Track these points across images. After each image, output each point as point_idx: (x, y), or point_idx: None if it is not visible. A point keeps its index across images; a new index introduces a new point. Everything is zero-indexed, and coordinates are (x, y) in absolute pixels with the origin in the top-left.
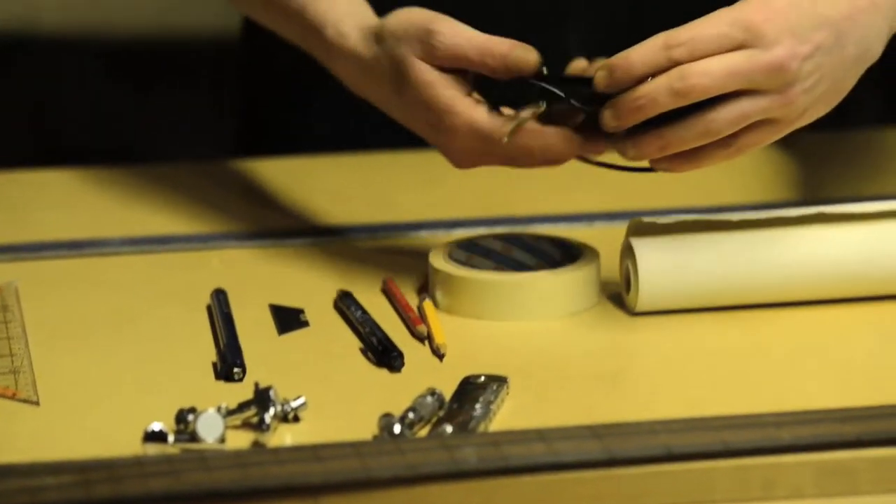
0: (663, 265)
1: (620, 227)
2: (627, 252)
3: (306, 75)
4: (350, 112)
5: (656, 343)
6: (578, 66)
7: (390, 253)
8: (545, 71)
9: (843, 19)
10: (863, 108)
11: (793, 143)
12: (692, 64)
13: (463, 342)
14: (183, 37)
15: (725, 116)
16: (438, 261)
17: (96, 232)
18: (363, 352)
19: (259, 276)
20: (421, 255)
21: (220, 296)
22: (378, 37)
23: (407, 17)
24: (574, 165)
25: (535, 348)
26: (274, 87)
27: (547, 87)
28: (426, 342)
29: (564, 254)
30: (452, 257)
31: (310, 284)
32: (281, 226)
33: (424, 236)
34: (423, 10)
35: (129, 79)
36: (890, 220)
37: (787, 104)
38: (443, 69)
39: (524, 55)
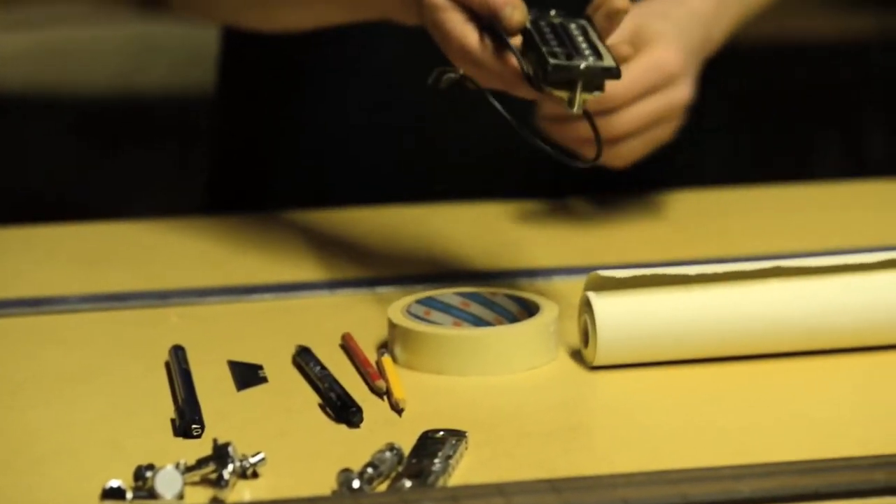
0: (621, 319)
1: (578, 282)
2: (585, 306)
3: (274, 134)
4: (312, 170)
5: (615, 397)
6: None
7: (349, 308)
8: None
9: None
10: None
11: (752, 196)
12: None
13: (422, 397)
14: (149, 95)
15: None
16: (397, 316)
17: (56, 289)
18: (322, 407)
19: (218, 333)
20: (380, 311)
21: (178, 352)
22: None
23: None
24: (531, 223)
25: (493, 403)
26: (242, 145)
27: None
28: (385, 397)
29: (523, 309)
30: (411, 312)
31: (268, 340)
32: (240, 282)
33: (383, 292)
34: None
35: (96, 137)
36: (846, 274)
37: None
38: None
39: (511, 15)
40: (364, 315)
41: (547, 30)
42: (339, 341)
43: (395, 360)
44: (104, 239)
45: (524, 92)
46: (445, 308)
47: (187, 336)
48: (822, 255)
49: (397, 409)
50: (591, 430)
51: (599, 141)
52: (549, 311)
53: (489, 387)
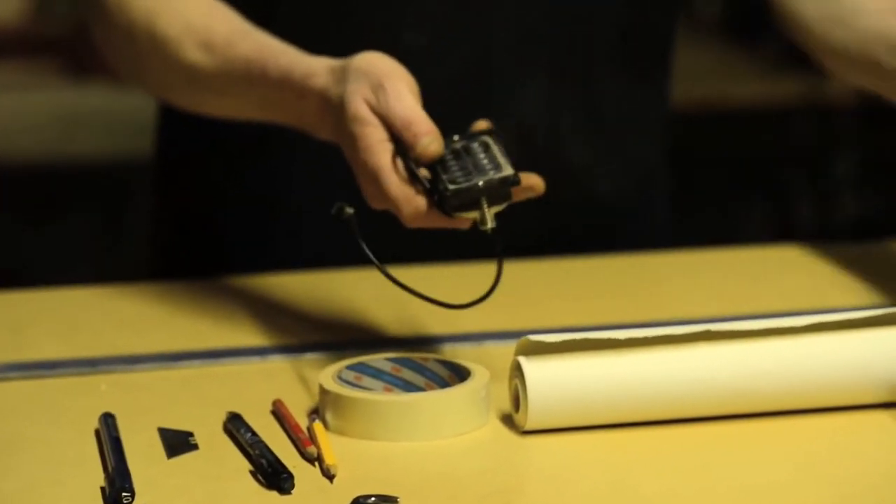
0: (552, 384)
1: (509, 347)
2: (516, 371)
3: (212, 200)
4: (249, 235)
5: (546, 462)
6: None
7: (280, 375)
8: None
9: None
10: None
11: (680, 260)
12: None
13: (353, 463)
14: (79, 163)
15: None
16: (328, 382)
17: None
18: (253, 474)
19: (148, 400)
20: (311, 377)
21: (108, 420)
22: (344, 72)
23: (370, 61)
24: (462, 287)
25: (425, 468)
26: (179, 210)
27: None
28: (316, 463)
29: (453, 374)
30: (342, 378)
31: (199, 407)
32: (170, 348)
33: (314, 358)
34: (388, 61)
35: (26, 205)
36: (774, 338)
37: None
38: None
39: (428, 145)
40: (295, 381)
41: (449, 156)
42: (269, 407)
43: (326, 426)
44: (33, 307)
45: (435, 220)
46: (376, 374)
47: (117, 404)
48: (751, 318)
49: (329, 476)
50: (523, 494)
51: (500, 267)
52: (479, 376)
53: (421, 452)
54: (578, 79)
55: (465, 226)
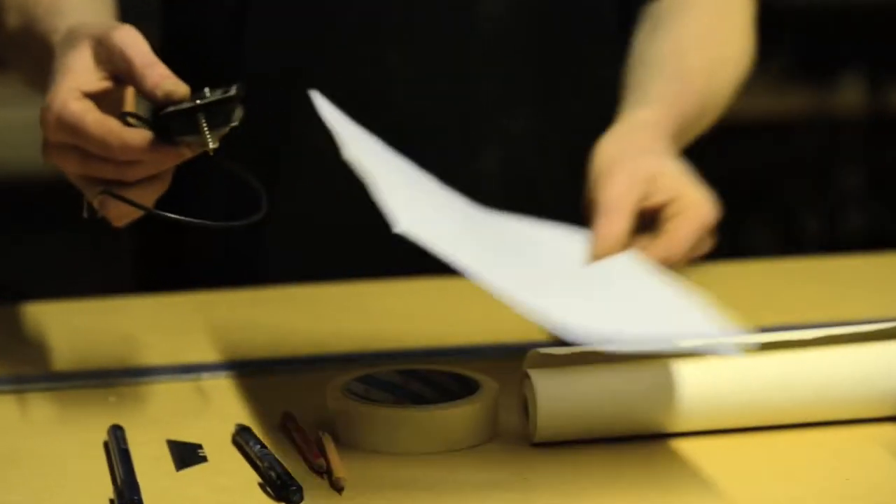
0: (561, 396)
1: (518, 359)
2: (525, 383)
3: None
4: (244, 246)
5: (555, 473)
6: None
7: (289, 387)
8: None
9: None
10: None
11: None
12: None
13: (362, 475)
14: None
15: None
16: (337, 394)
17: None
18: (262, 486)
19: (156, 412)
20: (320, 389)
21: (117, 432)
22: (73, 31)
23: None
24: (471, 299)
25: (434, 481)
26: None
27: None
28: (325, 476)
29: (463, 386)
30: (351, 391)
31: (208, 419)
32: (177, 361)
33: (323, 370)
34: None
35: (27, 218)
36: (783, 351)
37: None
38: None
39: (175, 85)
40: (304, 393)
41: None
42: (278, 420)
43: (335, 438)
44: (39, 319)
45: (162, 157)
46: (385, 386)
47: (125, 416)
48: (758, 331)
49: (338, 488)
50: None
51: None
52: (488, 388)
53: (430, 464)
54: (564, 101)
55: (189, 155)
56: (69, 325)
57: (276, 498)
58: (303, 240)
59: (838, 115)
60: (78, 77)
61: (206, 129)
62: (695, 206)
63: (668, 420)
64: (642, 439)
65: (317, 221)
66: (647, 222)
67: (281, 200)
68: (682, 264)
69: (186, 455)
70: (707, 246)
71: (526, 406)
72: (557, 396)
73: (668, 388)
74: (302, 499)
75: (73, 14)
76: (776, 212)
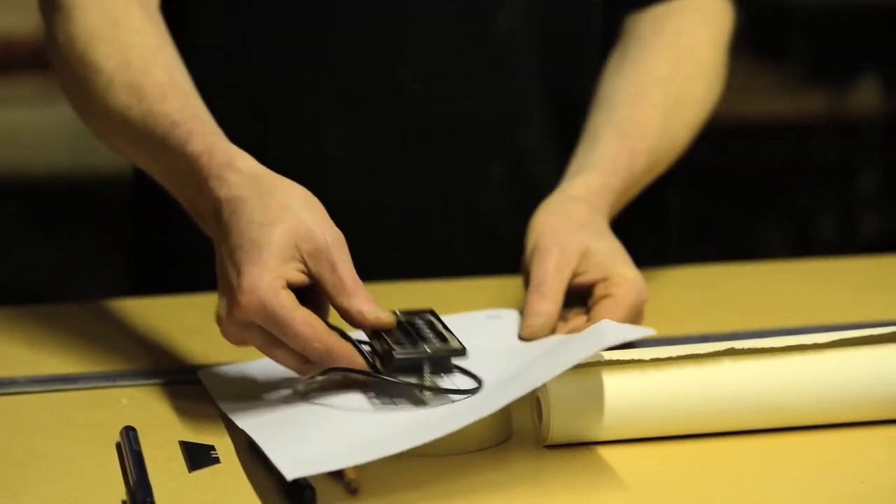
0: (574, 398)
1: None
2: (539, 386)
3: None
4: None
5: (568, 475)
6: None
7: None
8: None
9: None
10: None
11: (700, 274)
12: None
13: (375, 477)
14: (98, 177)
15: None
16: None
17: (3, 371)
18: (275, 488)
19: (169, 413)
20: None
21: (129, 433)
22: (268, 189)
23: (307, 223)
24: (488, 300)
25: (448, 482)
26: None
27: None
28: (338, 478)
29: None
30: None
31: (220, 421)
32: (189, 362)
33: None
34: (322, 222)
35: (44, 219)
36: (799, 354)
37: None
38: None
39: (381, 315)
40: None
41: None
42: None
43: None
44: (51, 321)
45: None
46: None
47: (138, 417)
48: (772, 333)
49: (351, 490)
50: None
51: None
52: None
53: (444, 466)
54: (572, 115)
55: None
56: (82, 327)
57: (289, 499)
58: None
59: (853, 117)
60: (285, 265)
61: (428, 375)
62: (626, 287)
63: (680, 422)
64: (654, 441)
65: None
66: (579, 296)
67: None
68: None
69: (199, 456)
70: (638, 323)
71: (539, 408)
72: (570, 399)
73: (680, 392)
74: (314, 500)
75: (216, 129)
76: (791, 213)
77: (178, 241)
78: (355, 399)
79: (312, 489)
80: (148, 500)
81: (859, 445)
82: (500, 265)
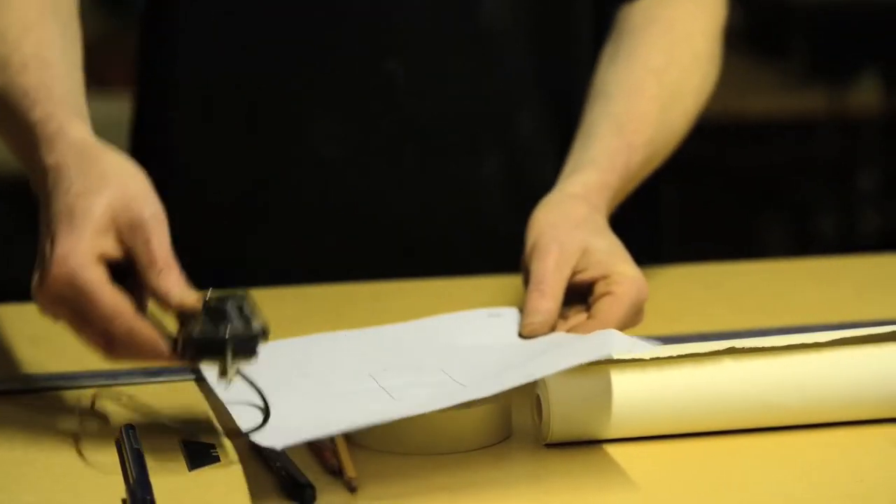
0: (574, 397)
1: None
2: (539, 384)
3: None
4: (243, 248)
5: (568, 474)
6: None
7: None
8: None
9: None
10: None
11: (699, 273)
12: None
13: (375, 475)
14: None
15: None
16: None
17: (4, 368)
18: (275, 486)
19: (169, 412)
20: None
21: (129, 431)
22: (91, 172)
23: (131, 194)
24: (488, 299)
25: (448, 481)
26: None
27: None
28: (338, 476)
29: None
30: None
31: (221, 420)
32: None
33: None
34: (145, 195)
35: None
36: (799, 353)
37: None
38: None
39: (187, 296)
40: None
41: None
42: None
43: (348, 438)
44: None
45: (160, 357)
46: None
47: (138, 416)
48: (773, 332)
49: (351, 488)
50: None
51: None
52: None
53: (444, 465)
54: (567, 106)
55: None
56: None
57: (289, 498)
58: (300, 240)
59: (854, 115)
60: (98, 238)
61: (230, 359)
62: (626, 285)
63: (680, 421)
64: (654, 440)
65: (319, 225)
66: (579, 294)
67: (282, 206)
68: None
69: (199, 455)
70: (639, 321)
71: (539, 407)
72: (570, 398)
73: (679, 391)
74: (315, 499)
75: (66, 98)
76: (791, 211)
77: (174, 225)
78: (345, 369)
79: (312, 487)
80: (148, 498)
81: (859, 444)
82: (497, 260)
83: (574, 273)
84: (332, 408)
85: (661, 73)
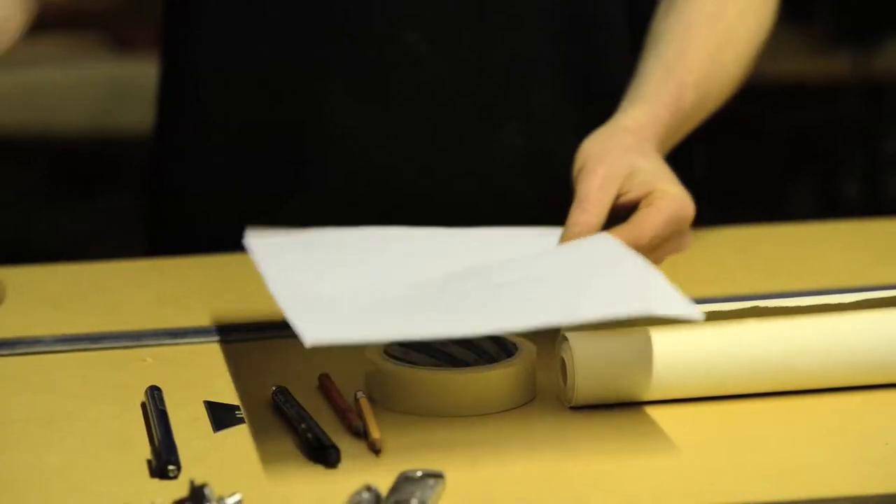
0: (599, 359)
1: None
2: (564, 346)
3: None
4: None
5: (593, 437)
6: None
7: (326, 349)
8: None
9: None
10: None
11: (727, 236)
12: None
13: (399, 437)
14: (123, 137)
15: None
16: (375, 356)
17: (28, 331)
18: (299, 448)
19: (193, 374)
20: (357, 352)
21: (154, 392)
22: None
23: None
24: None
25: (472, 443)
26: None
27: None
28: (362, 437)
29: (501, 349)
30: (389, 353)
31: (245, 381)
32: (216, 322)
33: None
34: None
35: (67, 181)
36: (823, 315)
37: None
38: None
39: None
40: (342, 356)
41: None
42: (316, 382)
43: (372, 400)
44: (77, 280)
45: None
46: (424, 348)
47: (162, 377)
48: (799, 295)
49: (375, 450)
50: (570, 470)
51: None
52: (526, 351)
53: (468, 427)
54: (586, 77)
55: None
56: (106, 287)
57: (313, 459)
58: (321, 212)
59: (880, 78)
60: None
61: None
62: (668, 199)
63: (704, 384)
64: (676, 403)
65: (342, 199)
66: (625, 217)
67: (305, 181)
68: (654, 257)
69: (224, 416)
70: (685, 243)
71: (564, 370)
72: (595, 360)
73: (703, 353)
74: (339, 460)
75: None
76: (817, 175)
77: (200, 198)
78: (398, 273)
79: (337, 449)
80: (173, 458)
81: (885, 406)
82: None
83: (619, 196)
84: (389, 312)
85: (714, 17)
